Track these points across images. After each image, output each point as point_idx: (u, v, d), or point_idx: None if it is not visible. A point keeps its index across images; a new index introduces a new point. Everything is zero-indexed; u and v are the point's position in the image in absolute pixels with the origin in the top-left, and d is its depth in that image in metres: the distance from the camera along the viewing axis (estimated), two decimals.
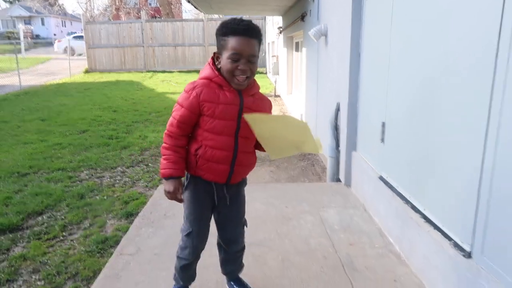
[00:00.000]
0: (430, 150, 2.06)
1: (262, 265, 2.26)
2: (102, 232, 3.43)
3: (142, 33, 17.76)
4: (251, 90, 1.70)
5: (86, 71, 17.83)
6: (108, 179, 4.75)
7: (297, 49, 7.72)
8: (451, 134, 1.85)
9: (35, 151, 5.93)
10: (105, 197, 4.18)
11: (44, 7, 42.67)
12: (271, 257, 2.35)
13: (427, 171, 2.10)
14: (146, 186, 4.51)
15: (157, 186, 4.41)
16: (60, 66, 21.29)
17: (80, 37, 23.35)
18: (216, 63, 1.67)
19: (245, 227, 1.94)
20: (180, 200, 1.73)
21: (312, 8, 5.09)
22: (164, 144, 1.71)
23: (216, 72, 1.65)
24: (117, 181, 4.70)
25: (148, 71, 17.76)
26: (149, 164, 5.30)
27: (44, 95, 11.78)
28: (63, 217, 3.73)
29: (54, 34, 52.77)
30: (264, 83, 14.04)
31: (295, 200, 3.21)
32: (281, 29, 9.79)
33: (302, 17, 5.91)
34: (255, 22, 1.66)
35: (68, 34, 47.26)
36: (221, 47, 1.64)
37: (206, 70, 1.69)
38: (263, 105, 1.75)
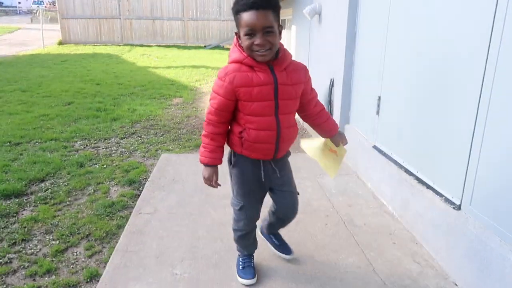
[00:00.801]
0: (424, 118, 2.34)
1: None
2: (108, 197, 3.58)
3: (119, 5, 17.24)
4: (282, 63, 1.69)
5: (60, 43, 17.21)
6: (104, 149, 4.84)
7: (285, 27, 7.85)
8: (445, 104, 2.12)
9: (22, 121, 5.88)
10: (104, 166, 4.29)
11: None
12: None
13: (420, 138, 2.39)
14: (144, 156, 4.64)
15: (154, 156, 4.57)
16: (31, 36, 20.43)
17: None
18: (240, 43, 1.66)
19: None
20: (215, 186, 1.81)
21: None
22: (203, 132, 1.77)
23: (244, 54, 1.64)
24: (113, 151, 4.80)
25: (126, 45, 17.34)
26: (142, 136, 5.41)
27: (19, 66, 11.40)
28: (66, 183, 3.84)
29: (19, 2, 49.98)
30: None
31: (293, 167, 3.45)
32: None
33: None
34: None
35: (34, 2, 44.88)
36: (237, 26, 1.63)
37: (235, 53, 1.69)
38: (298, 76, 1.74)
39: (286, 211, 1.97)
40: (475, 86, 1.85)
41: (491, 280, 1.68)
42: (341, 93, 3.63)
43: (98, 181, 3.90)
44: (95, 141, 5.13)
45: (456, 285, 1.92)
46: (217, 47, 17.76)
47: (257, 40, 1.56)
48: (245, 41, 1.59)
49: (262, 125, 1.69)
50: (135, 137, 5.38)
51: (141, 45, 17.37)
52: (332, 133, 1.96)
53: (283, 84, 1.67)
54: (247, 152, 1.76)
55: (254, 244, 2.04)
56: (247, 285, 1.92)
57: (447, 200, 2.07)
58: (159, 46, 17.40)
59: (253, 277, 1.93)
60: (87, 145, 4.97)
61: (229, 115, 1.73)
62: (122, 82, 9.33)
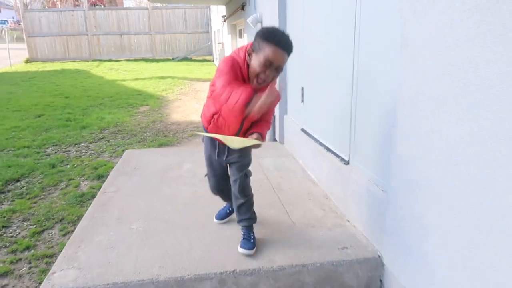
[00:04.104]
0: (327, 101, 2.97)
1: None
2: (78, 190, 4.05)
3: (86, 21, 17.58)
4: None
5: (27, 61, 17.34)
6: (74, 153, 5.29)
7: (240, 36, 8.50)
8: (337, 91, 2.74)
9: None
10: (75, 165, 4.75)
11: None
12: None
13: (327, 118, 3.01)
14: (111, 156, 5.12)
15: (121, 155, 5.04)
16: None
17: None
18: (247, 58, 1.80)
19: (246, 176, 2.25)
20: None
21: None
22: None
23: (245, 65, 1.84)
24: (83, 153, 5.26)
25: (94, 60, 17.66)
26: (110, 140, 5.88)
27: None
28: (40, 181, 4.28)
29: None
30: (211, 70, 14.71)
31: None
32: (225, 18, 10.51)
33: (243, 7, 6.70)
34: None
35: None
36: (257, 49, 1.77)
37: (240, 53, 1.86)
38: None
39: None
40: (348, 83, 2.48)
41: (368, 213, 2.28)
42: (278, 88, 4.25)
43: (70, 178, 4.36)
44: (66, 147, 5.57)
45: (348, 221, 2.53)
46: (185, 58, 18.30)
47: (268, 72, 1.78)
48: (257, 68, 1.77)
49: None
50: (104, 141, 5.85)
51: (110, 60, 17.72)
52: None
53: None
54: None
55: (225, 200, 2.52)
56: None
57: (342, 159, 2.69)
58: (128, 60, 17.79)
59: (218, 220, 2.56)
60: (58, 150, 5.40)
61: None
62: (91, 94, 9.73)
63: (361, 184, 2.35)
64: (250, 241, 2.21)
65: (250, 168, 2.31)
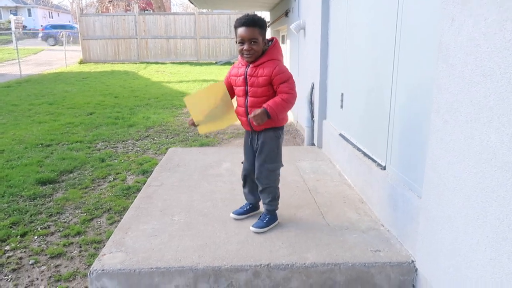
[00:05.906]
0: (366, 109, 2.99)
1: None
2: (125, 183, 4.31)
3: (136, 26, 18.43)
4: (258, 61, 2.30)
5: (81, 62, 18.44)
6: (122, 149, 5.61)
7: (283, 41, 8.61)
8: (376, 99, 2.77)
9: (51, 128, 6.73)
10: (122, 161, 5.04)
11: None
12: None
13: (365, 123, 3.04)
14: (155, 153, 5.38)
15: (164, 153, 5.29)
16: (53, 56, 21.80)
17: None
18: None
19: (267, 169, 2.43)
20: None
21: (294, 5, 6.00)
22: None
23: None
24: (130, 150, 5.56)
25: (142, 62, 18.46)
26: (155, 138, 6.17)
27: (45, 83, 12.46)
28: (90, 174, 4.60)
29: (41, 25, 52.51)
30: None
31: None
32: (268, 24, 10.67)
33: (286, 13, 6.80)
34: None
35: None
36: (235, 37, 2.31)
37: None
38: (263, 71, 2.27)
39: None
40: (388, 91, 2.51)
41: (403, 218, 2.29)
42: (319, 93, 4.30)
43: (117, 172, 4.64)
44: (114, 143, 5.91)
45: (383, 225, 2.55)
46: (228, 62, 18.67)
47: (245, 47, 2.26)
48: (238, 47, 2.31)
49: (238, 102, 2.44)
50: (149, 139, 6.15)
51: (156, 63, 18.45)
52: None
53: (250, 75, 2.33)
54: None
55: (246, 198, 2.71)
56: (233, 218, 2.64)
57: (378, 165, 2.71)
58: (173, 63, 18.44)
59: (235, 214, 2.65)
60: (107, 146, 5.75)
61: (231, 89, 2.47)
62: (138, 95, 10.21)
63: (397, 189, 2.37)
64: (262, 221, 2.50)
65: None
